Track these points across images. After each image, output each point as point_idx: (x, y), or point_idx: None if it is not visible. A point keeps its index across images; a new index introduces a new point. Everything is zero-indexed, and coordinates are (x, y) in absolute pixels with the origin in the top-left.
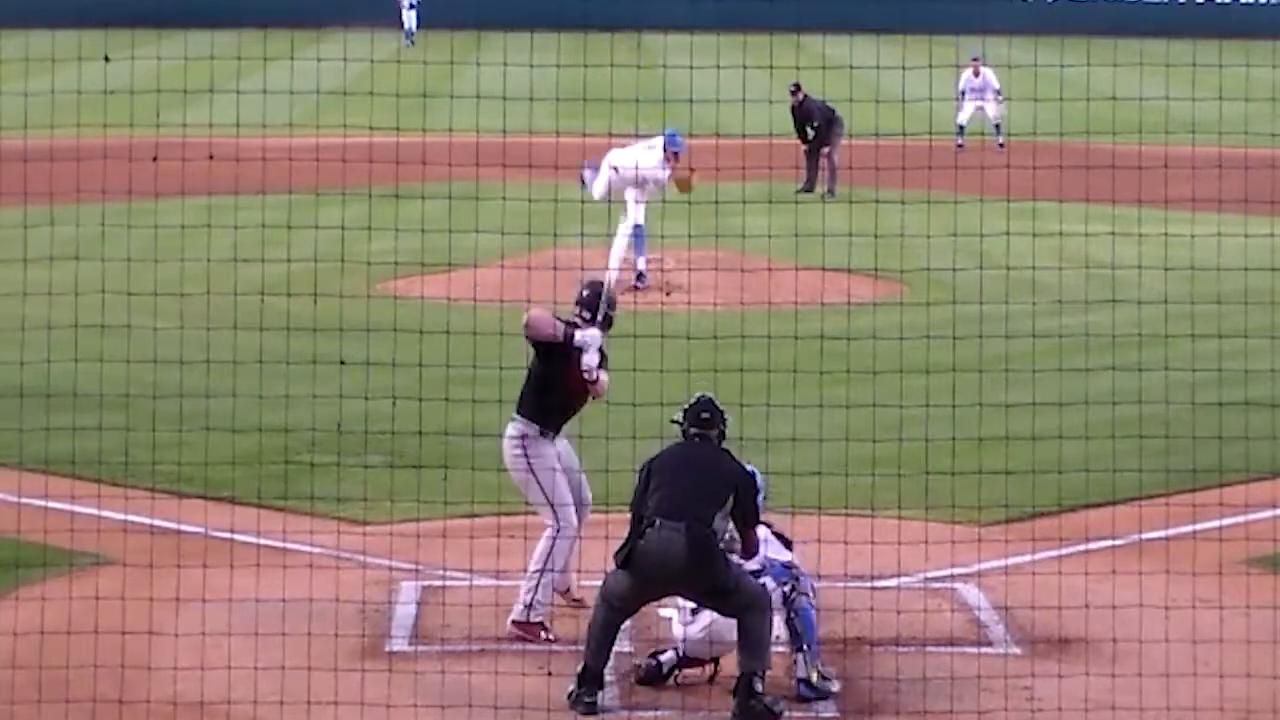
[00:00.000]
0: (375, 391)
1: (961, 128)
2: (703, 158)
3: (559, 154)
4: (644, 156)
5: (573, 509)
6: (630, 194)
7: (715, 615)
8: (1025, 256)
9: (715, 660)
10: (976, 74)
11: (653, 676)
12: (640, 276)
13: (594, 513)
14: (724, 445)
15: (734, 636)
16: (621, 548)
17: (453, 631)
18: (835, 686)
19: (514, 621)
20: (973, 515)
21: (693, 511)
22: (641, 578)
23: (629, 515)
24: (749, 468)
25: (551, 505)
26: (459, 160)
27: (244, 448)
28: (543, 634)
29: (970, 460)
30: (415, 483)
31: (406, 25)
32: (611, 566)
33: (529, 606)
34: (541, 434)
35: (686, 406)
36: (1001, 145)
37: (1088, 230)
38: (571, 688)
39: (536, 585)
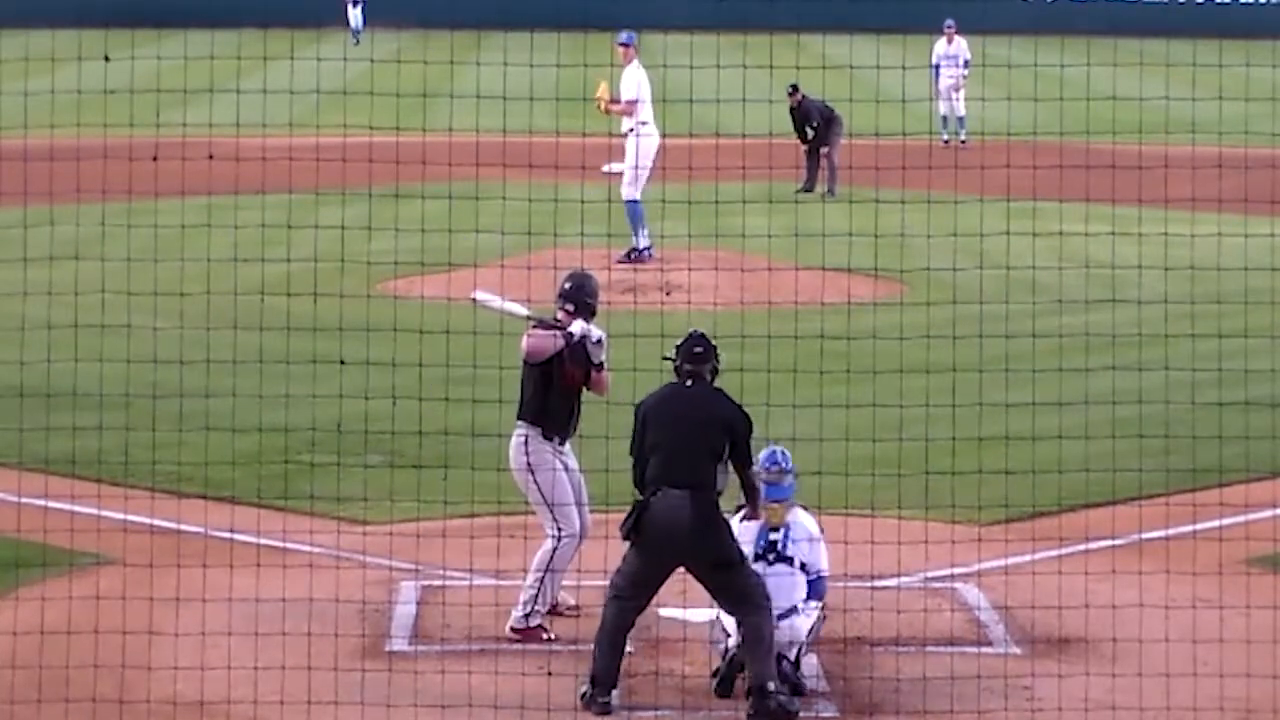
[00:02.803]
0: (375, 391)
1: (945, 118)
2: (703, 157)
3: (559, 154)
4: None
5: (574, 509)
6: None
7: None
8: (1025, 256)
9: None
10: (950, 41)
11: (726, 680)
12: (643, 251)
13: (593, 512)
14: (714, 379)
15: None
16: (627, 518)
17: (453, 631)
18: (796, 705)
19: (512, 629)
20: (973, 515)
21: (696, 474)
22: (650, 549)
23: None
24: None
25: (550, 507)
26: (459, 160)
27: (244, 448)
28: (544, 635)
29: (970, 460)
30: (415, 483)
31: (353, 24)
32: (613, 567)
33: (527, 615)
34: (544, 436)
35: (679, 343)
36: (960, 141)
37: (1088, 230)
38: (584, 688)
39: (537, 593)
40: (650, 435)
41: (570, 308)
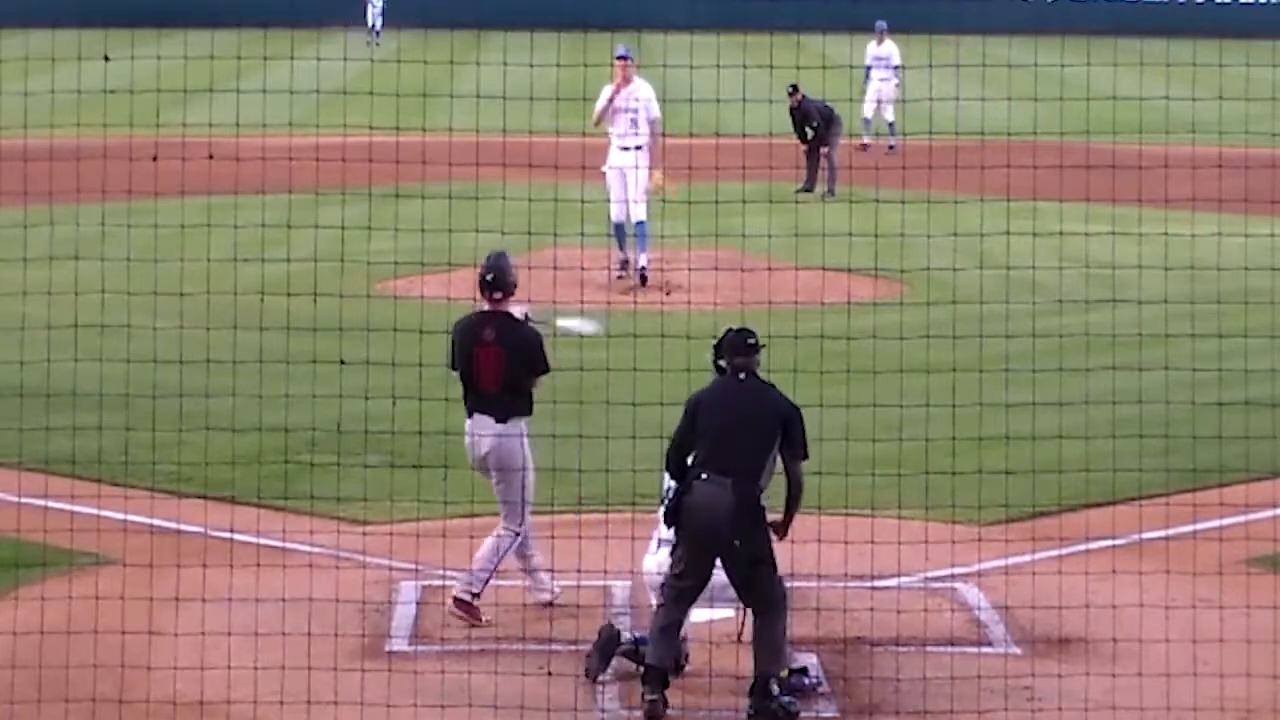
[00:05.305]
0: (375, 391)
1: (868, 120)
2: (703, 157)
3: (559, 154)
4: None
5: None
6: (633, 186)
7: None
8: (1025, 256)
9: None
10: (880, 43)
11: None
12: (642, 279)
13: (594, 512)
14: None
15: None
16: (669, 503)
17: (453, 631)
18: (797, 707)
19: (458, 599)
20: (973, 515)
21: (741, 464)
22: (690, 536)
23: (669, 456)
24: None
25: (525, 502)
26: (459, 160)
27: (244, 448)
28: (483, 618)
29: (970, 460)
30: (415, 483)
31: (371, 23)
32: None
33: (476, 594)
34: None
35: (719, 341)
36: (892, 147)
37: (1088, 230)
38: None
39: (489, 578)
40: (699, 425)
41: (499, 296)
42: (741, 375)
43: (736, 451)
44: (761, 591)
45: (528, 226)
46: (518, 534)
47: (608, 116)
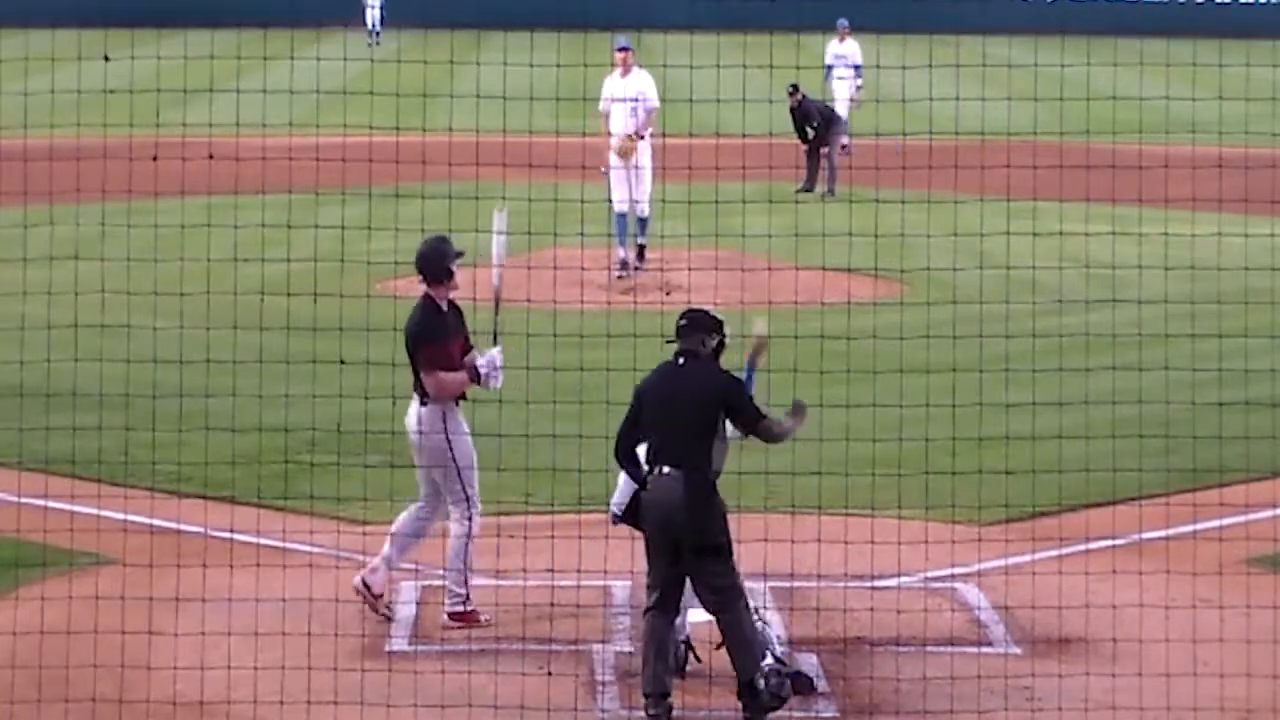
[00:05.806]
0: (375, 391)
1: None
2: (703, 157)
3: (559, 154)
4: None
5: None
6: (635, 182)
7: None
8: (1025, 256)
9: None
10: (842, 40)
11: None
12: (640, 253)
13: (594, 512)
14: (718, 356)
15: None
16: (627, 504)
17: (452, 631)
18: (787, 689)
19: (451, 615)
20: (973, 515)
21: (689, 454)
22: (650, 531)
23: (616, 444)
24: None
25: (468, 497)
26: (459, 160)
27: (244, 448)
28: (481, 618)
29: (970, 460)
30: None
31: (370, 24)
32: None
33: (465, 598)
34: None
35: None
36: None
37: (1088, 230)
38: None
39: (466, 576)
40: (645, 416)
41: (419, 279)
42: (680, 360)
43: (682, 439)
44: (718, 587)
45: (528, 226)
46: (470, 521)
47: (610, 110)
